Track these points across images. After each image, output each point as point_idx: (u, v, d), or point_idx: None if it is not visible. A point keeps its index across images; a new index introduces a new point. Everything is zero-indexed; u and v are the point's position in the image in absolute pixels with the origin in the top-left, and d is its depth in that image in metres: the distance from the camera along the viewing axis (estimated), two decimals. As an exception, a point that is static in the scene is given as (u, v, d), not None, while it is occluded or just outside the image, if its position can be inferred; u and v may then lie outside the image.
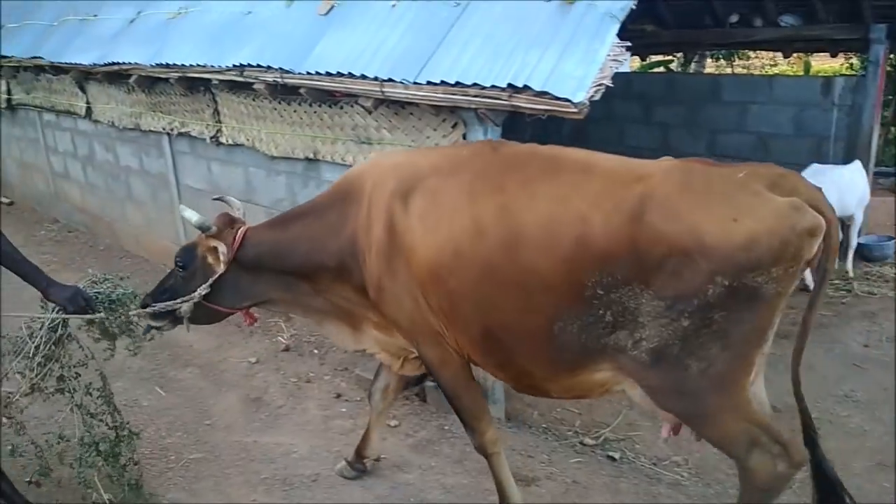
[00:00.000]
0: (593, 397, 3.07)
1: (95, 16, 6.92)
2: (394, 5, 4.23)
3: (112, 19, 6.61)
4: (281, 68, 4.51)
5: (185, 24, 5.66)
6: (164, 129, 6.15)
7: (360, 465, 3.81)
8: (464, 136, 3.98)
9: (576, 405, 4.49)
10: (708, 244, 2.31)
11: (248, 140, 5.35)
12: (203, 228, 3.32)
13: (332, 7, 4.56)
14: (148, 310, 3.37)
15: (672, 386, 2.54)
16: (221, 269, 3.29)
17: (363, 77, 4.07)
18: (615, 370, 2.65)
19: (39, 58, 7.24)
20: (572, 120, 3.35)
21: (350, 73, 4.13)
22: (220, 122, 5.54)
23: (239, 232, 3.34)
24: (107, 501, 3.34)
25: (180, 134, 5.99)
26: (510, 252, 2.64)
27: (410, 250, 2.89)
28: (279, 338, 5.39)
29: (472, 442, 3.28)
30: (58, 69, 7.10)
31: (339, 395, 4.64)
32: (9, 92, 8.64)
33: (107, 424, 3.37)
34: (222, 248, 3.28)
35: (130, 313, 3.35)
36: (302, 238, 3.26)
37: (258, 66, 4.66)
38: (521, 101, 3.42)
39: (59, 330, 3.18)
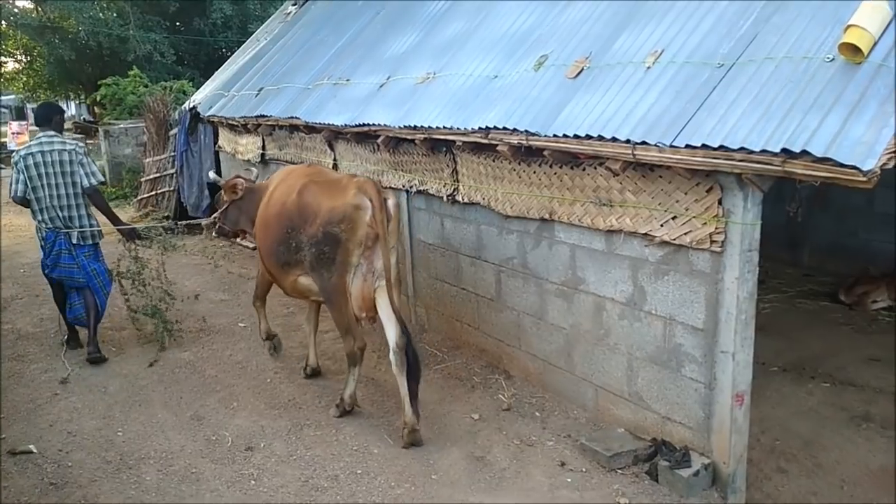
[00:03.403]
0: (311, 298, 5.38)
1: (348, 80, 7.41)
2: (648, 67, 4.15)
3: (363, 84, 7.07)
4: (527, 131, 4.57)
5: (432, 89, 5.93)
6: (403, 185, 6.45)
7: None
8: (719, 202, 3.76)
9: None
10: (320, 210, 4.71)
11: (483, 199, 5.47)
12: (217, 182, 6.43)
13: (582, 70, 4.56)
14: (167, 224, 6.99)
15: (320, 286, 4.90)
16: (227, 199, 6.16)
17: (614, 140, 4.00)
18: (306, 276, 4.99)
19: (296, 118, 7.76)
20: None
21: (599, 136, 4.08)
22: (457, 181, 5.73)
23: (239, 184, 6.08)
24: (133, 316, 6.93)
25: (418, 191, 6.26)
26: (267, 210, 5.27)
27: (264, 208, 5.40)
28: (500, 396, 5.36)
29: (252, 301, 6.19)
30: (311, 128, 7.63)
31: (563, 464, 4.48)
32: (263, 147, 9.57)
33: (157, 301, 6.85)
34: (240, 182, 6.09)
35: (161, 225, 7.07)
36: (248, 201, 5.94)
37: (504, 128, 4.76)
38: (797, 168, 3.16)
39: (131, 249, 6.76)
